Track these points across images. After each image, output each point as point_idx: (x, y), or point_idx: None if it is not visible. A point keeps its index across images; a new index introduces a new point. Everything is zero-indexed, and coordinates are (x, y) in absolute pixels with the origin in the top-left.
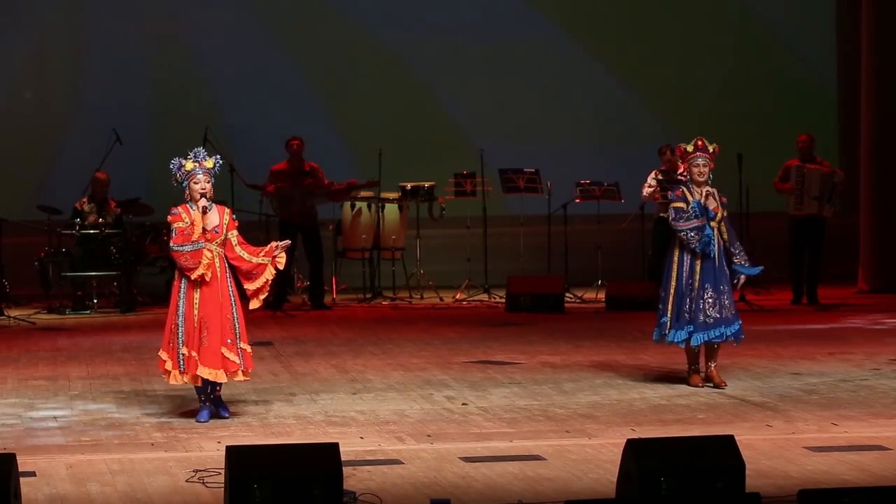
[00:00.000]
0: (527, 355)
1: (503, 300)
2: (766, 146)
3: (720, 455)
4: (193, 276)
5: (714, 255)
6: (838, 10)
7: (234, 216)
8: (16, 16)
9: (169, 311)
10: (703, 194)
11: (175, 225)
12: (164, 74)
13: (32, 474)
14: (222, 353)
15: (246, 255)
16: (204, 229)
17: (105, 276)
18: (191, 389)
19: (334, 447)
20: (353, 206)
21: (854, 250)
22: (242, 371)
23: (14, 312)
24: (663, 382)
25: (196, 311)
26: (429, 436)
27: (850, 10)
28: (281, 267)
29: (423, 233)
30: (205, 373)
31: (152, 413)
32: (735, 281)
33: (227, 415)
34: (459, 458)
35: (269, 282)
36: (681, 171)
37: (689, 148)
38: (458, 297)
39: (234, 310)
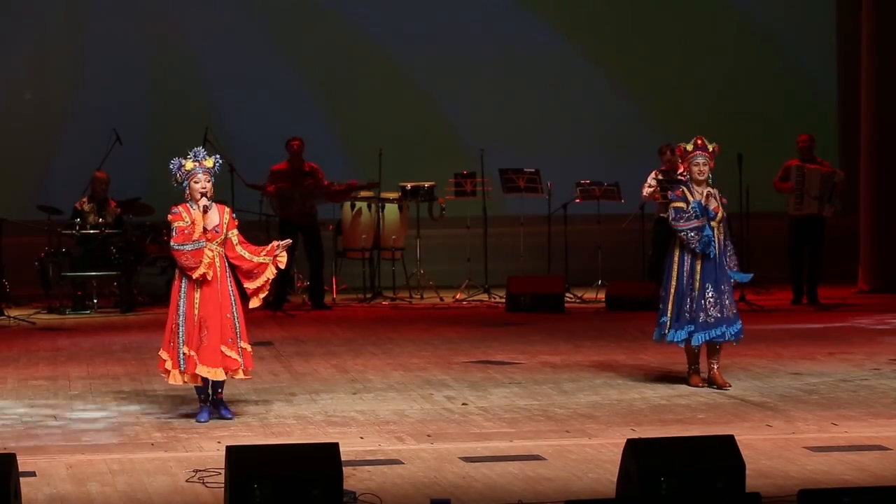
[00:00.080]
0: (527, 355)
1: (503, 300)
2: (766, 146)
3: (720, 455)
4: (195, 276)
5: (715, 256)
6: (838, 11)
7: (234, 215)
8: (15, 16)
9: (169, 311)
10: (705, 194)
11: (175, 224)
12: (164, 75)
13: (32, 474)
14: (222, 352)
15: (247, 255)
16: (204, 228)
17: (105, 276)
18: (191, 389)
19: (334, 447)
20: (353, 206)
21: (854, 250)
22: (243, 370)
23: (14, 312)
24: (663, 382)
25: (196, 311)
26: (429, 436)
27: (850, 10)
28: (282, 266)
29: (423, 233)
30: (204, 371)
31: (152, 413)
32: None
33: (230, 416)
34: (459, 458)
35: (270, 281)
36: (681, 171)
37: (689, 147)
38: (458, 297)
39: (235, 309)
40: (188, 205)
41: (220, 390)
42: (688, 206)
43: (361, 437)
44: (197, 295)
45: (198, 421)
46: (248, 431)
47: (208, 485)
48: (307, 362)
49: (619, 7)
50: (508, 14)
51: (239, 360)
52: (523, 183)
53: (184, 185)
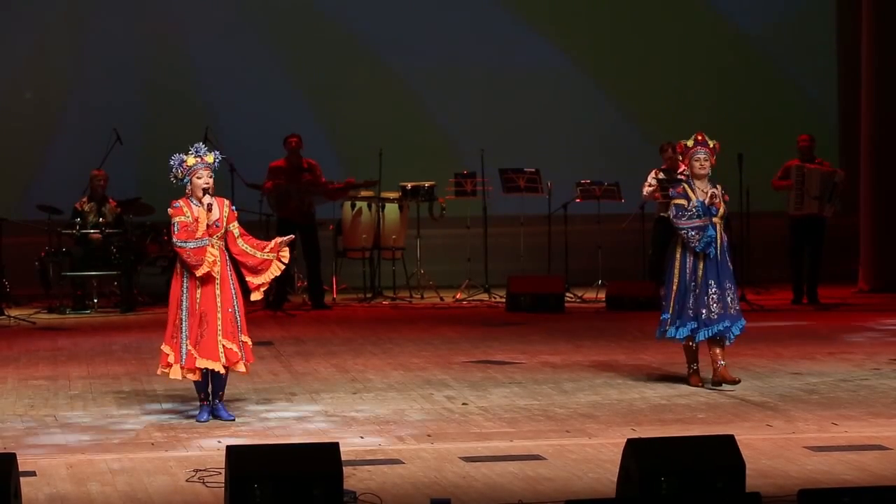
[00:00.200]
0: (527, 355)
1: (503, 300)
2: (766, 146)
3: (720, 455)
4: (198, 274)
5: (716, 253)
6: (838, 11)
7: (234, 207)
8: (15, 16)
9: (170, 305)
10: (709, 194)
11: (177, 219)
12: (164, 75)
13: (32, 474)
14: (222, 345)
15: (250, 250)
16: (206, 225)
17: (105, 275)
18: (191, 389)
19: (334, 447)
20: (353, 206)
21: (854, 250)
22: (243, 362)
23: (14, 312)
24: (663, 382)
25: (198, 306)
26: (429, 435)
27: (850, 10)
28: (286, 261)
29: (423, 232)
30: (203, 363)
31: (152, 413)
32: None
33: (231, 418)
34: (459, 457)
35: (274, 277)
36: (681, 169)
37: (690, 143)
38: (458, 296)
39: (236, 303)
40: (189, 199)
41: (221, 392)
42: (689, 204)
43: (361, 437)
44: (198, 290)
45: (198, 421)
46: (248, 431)
47: (208, 484)
48: (307, 362)
49: (618, 7)
50: (508, 14)
51: (239, 352)
52: (523, 183)
53: (184, 181)
